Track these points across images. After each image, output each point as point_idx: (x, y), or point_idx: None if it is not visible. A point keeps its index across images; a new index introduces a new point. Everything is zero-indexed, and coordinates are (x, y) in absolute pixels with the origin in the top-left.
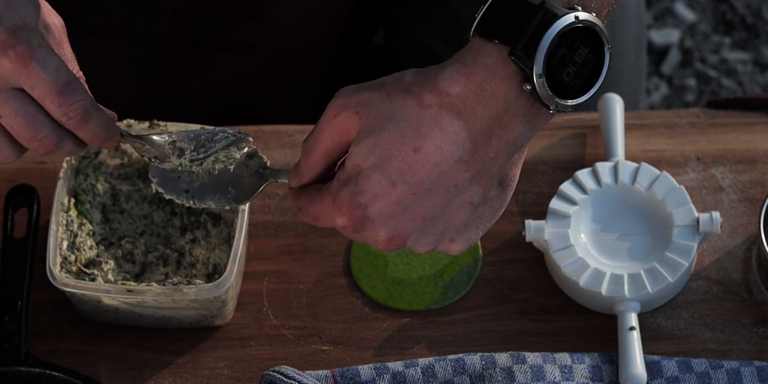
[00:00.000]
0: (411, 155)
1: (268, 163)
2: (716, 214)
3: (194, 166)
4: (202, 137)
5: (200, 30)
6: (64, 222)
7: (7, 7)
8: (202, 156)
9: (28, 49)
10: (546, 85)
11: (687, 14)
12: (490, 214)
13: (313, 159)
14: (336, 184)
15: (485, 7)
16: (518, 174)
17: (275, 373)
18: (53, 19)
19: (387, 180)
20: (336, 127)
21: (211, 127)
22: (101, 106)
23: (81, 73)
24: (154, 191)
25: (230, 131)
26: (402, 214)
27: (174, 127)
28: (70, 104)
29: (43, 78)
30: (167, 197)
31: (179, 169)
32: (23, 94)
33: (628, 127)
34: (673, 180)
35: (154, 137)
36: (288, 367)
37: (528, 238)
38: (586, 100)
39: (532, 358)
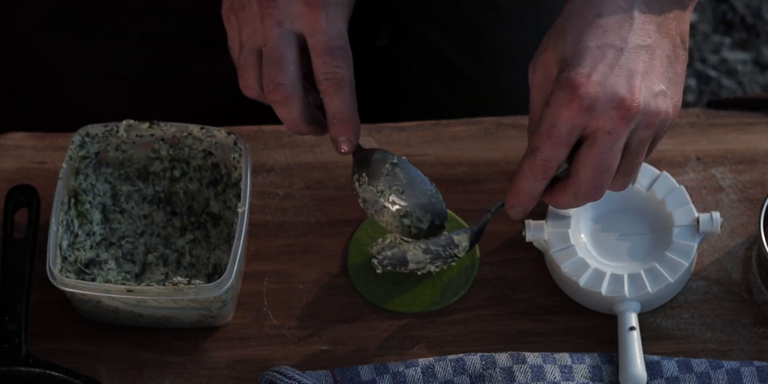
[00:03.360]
0: (596, 20)
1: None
2: (716, 214)
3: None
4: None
5: (208, 30)
6: (64, 222)
7: None
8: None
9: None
10: None
11: None
12: (682, 73)
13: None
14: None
15: None
16: (687, 33)
17: (275, 373)
18: None
19: (594, 49)
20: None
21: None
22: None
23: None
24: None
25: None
26: (620, 71)
27: (174, 127)
28: (334, 66)
29: (324, 32)
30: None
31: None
32: (297, 40)
33: None
34: (673, 180)
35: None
36: (288, 367)
37: (528, 238)
38: None
39: (532, 358)
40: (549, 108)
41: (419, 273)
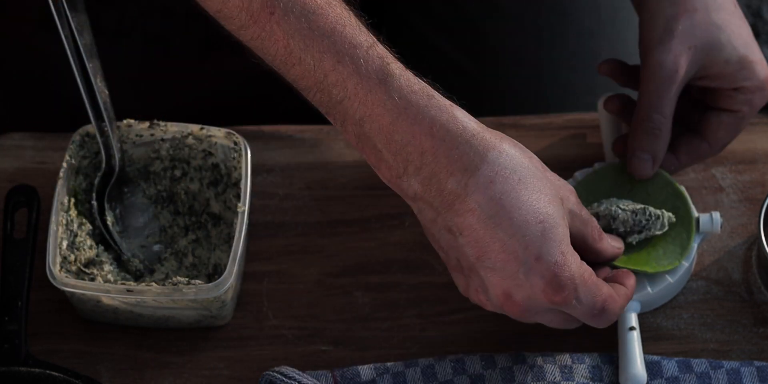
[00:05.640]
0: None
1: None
2: (716, 215)
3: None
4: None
5: (212, 32)
6: (64, 222)
7: (543, 237)
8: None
9: (571, 293)
10: None
11: None
12: None
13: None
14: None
15: None
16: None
17: (275, 373)
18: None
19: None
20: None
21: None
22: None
23: None
24: None
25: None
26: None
27: (174, 127)
28: (601, 321)
29: (581, 309)
30: None
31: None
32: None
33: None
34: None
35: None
36: (288, 367)
37: None
38: None
39: (532, 358)
40: (754, 107)
41: (627, 240)
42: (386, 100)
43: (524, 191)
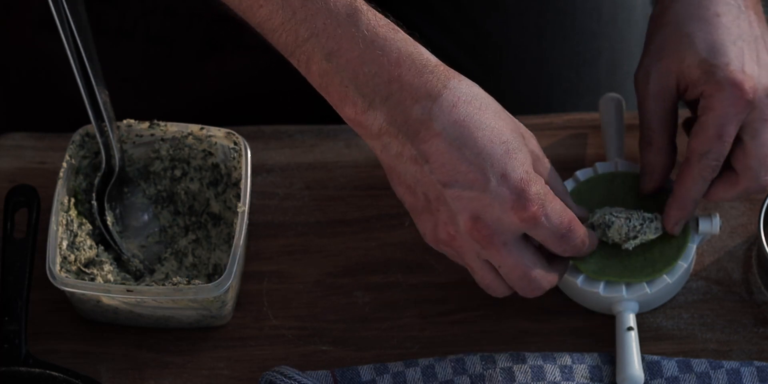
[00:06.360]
0: (718, 20)
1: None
2: (715, 216)
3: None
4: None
5: (214, 32)
6: (64, 222)
7: (507, 156)
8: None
9: (540, 208)
10: None
11: None
12: None
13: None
14: None
15: None
16: None
17: (275, 373)
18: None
19: (731, 45)
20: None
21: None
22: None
23: None
24: None
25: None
26: (758, 61)
27: (174, 127)
28: (569, 243)
29: (549, 229)
30: None
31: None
32: (523, 242)
33: (628, 127)
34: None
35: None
36: (288, 367)
37: None
38: None
39: (532, 358)
40: (714, 110)
41: (624, 247)
42: (355, 33)
43: (486, 115)
